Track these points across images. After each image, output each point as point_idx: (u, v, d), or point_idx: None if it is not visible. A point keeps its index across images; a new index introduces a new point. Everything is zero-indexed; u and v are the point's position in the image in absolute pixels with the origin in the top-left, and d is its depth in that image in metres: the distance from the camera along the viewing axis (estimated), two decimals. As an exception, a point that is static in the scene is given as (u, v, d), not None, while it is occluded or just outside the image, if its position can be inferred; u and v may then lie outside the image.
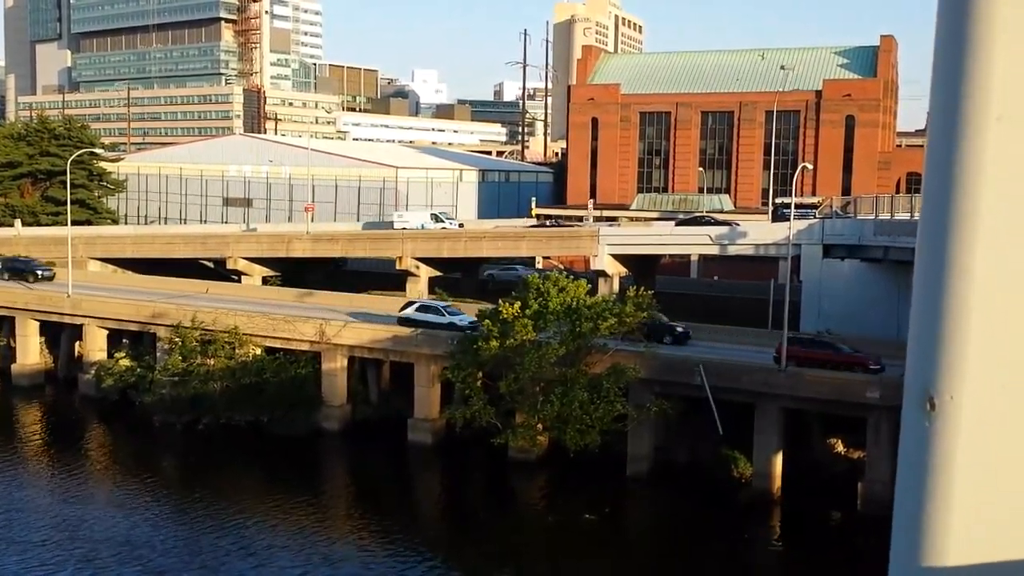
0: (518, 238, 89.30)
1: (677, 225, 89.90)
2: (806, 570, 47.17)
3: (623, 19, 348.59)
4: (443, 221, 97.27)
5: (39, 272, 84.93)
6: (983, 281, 2.01)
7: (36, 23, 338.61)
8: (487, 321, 58.40)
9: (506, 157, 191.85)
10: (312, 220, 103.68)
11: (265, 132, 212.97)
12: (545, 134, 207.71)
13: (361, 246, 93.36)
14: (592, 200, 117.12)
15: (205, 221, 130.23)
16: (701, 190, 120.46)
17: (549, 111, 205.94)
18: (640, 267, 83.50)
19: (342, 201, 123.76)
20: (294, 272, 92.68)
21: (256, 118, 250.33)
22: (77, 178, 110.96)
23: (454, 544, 50.85)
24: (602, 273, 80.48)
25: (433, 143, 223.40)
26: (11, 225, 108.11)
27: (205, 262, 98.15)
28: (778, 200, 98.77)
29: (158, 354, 69.79)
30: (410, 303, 70.41)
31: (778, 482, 54.06)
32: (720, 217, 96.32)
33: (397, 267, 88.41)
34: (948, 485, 2.08)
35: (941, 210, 2.05)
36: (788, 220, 66.93)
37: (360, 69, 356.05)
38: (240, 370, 65.77)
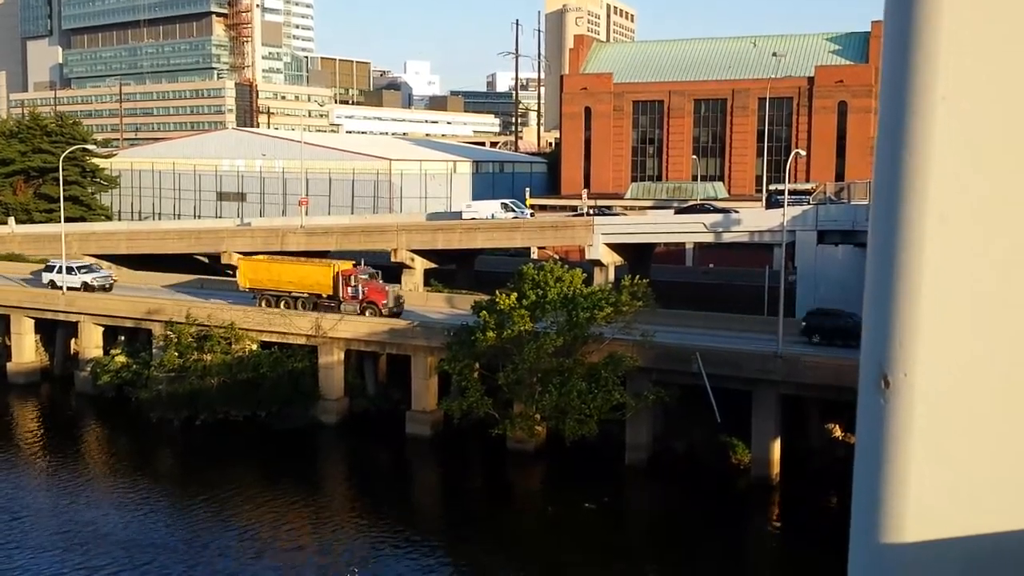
0: (513, 228, 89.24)
1: (676, 213, 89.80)
2: (805, 555, 47.24)
3: (615, 8, 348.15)
4: (514, 210, 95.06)
5: None
6: (933, 258, 2.05)
7: (27, 20, 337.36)
8: (483, 312, 58.41)
9: (500, 148, 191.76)
10: (306, 214, 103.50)
11: (258, 126, 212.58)
12: (538, 124, 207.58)
13: (355, 239, 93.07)
14: (586, 190, 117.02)
15: (199, 216, 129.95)
16: (695, 178, 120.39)
17: (542, 101, 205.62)
18: (635, 256, 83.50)
19: (336, 194, 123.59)
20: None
21: (249, 112, 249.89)
22: (70, 175, 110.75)
23: (453, 535, 50.89)
24: (597, 263, 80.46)
25: (427, 135, 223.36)
26: (4, 223, 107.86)
27: (199, 257, 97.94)
28: (772, 187, 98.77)
29: (154, 350, 69.72)
30: None
31: (776, 468, 54.17)
32: (718, 204, 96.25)
33: (392, 260, 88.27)
34: (904, 462, 2.11)
35: (892, 189, 2.08)
36: (782, 207, 66.94)
37: (352, 61, 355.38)
38: (236, 365, 65.72)
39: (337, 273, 68.52)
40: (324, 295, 68.65)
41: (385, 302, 67.32)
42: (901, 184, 2.07)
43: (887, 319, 2.11)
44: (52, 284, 79.53)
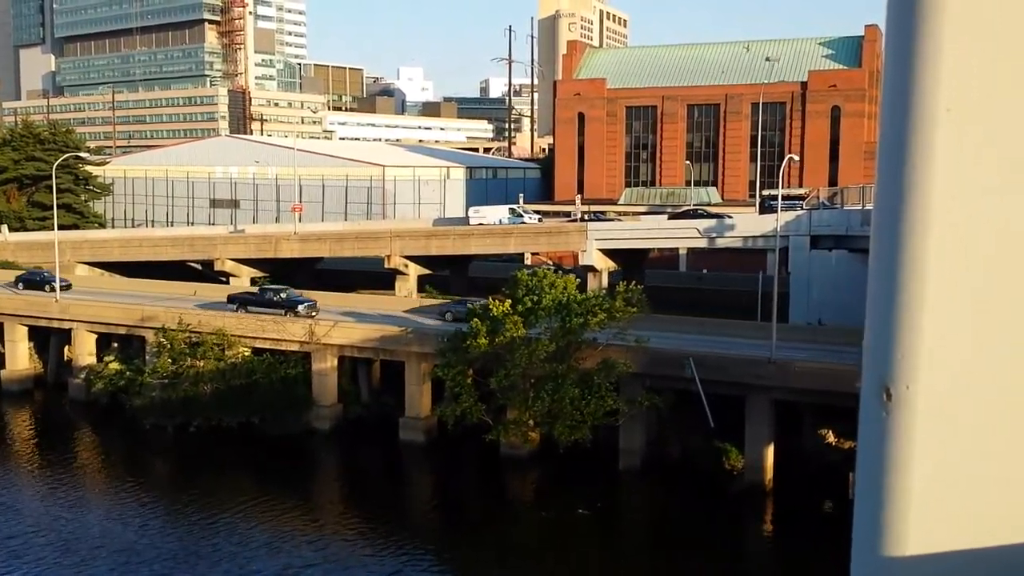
0: (506, 234, 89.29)
1: (669, 219, 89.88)
2: (798, 561, 47.27)
3: (608, 13, 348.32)
4: (522, 216, 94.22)
5: None
6: (936, 270, 2.02)
7: (19, 28, 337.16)
8: (476, 319, 58.39)
9: (493, 154, 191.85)
10: (300, 220, 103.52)
11: (251, 133, 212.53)
12: (532, 130, 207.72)
13: (349, 245, 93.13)
14: (580, 195, 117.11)
15: (192, 223, 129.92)
16: (688, 183, 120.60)
17: (535, 107, 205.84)
18: (629, 261, 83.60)
19: (329, 201, 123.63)
20: (283, 272, 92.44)
21: (242, 119, 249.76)
22: (63, 182, 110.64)
23: (447, 541, 50.83)
24: (591, 268, 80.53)
25: (420, 141, 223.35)
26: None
27: (193, 264, 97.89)
28: (765, 192, 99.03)
29: (147, 357, 69.56)
30: None
31: (770, 473, 54.17)
32: (711, 210, 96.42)
33: (385, 266, 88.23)
34: (906, 475, 2.09)
35: (894, 200, 2.05)
36: (775, 212, 67.07)
37: (345, 68, 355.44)
38: (230, 372, 65.60)
39: None
40: None
41: None
42: (904, 197, 2.04)
43: (889, 332, 2.09)
44: None
